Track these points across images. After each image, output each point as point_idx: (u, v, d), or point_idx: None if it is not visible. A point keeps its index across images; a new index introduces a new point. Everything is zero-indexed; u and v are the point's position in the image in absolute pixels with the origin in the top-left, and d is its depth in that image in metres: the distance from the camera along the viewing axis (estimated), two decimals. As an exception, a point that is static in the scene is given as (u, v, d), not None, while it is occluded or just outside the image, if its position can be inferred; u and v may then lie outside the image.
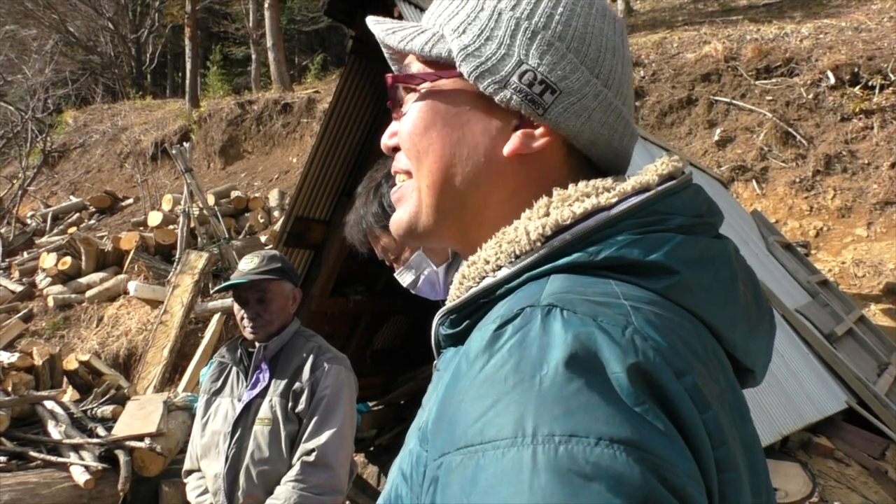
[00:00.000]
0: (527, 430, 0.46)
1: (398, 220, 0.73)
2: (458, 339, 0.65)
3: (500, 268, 0.63)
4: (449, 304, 0.66)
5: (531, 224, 0.62)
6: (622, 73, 0.68)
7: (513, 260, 0.62)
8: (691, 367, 0.52)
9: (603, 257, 0.58)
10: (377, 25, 0.73)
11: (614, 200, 0.61)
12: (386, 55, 0.77)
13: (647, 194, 0.62)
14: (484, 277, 0.64)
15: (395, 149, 0.73)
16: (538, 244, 0.61)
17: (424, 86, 0.69)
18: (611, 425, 0.46)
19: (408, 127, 0.70)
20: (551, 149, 0.66)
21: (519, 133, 0.66)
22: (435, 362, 0.73)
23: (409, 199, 0.71)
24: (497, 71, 0.65)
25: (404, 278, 1.74)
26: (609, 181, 0.65)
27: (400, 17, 3.24)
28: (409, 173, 0.72)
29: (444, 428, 0.52)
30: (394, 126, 0.74)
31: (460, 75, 0.67)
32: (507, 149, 0.66)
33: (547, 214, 0.63)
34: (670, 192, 0.62)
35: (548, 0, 0.66)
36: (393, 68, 0.77)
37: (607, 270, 0.58)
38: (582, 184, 0.64)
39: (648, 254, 0.58)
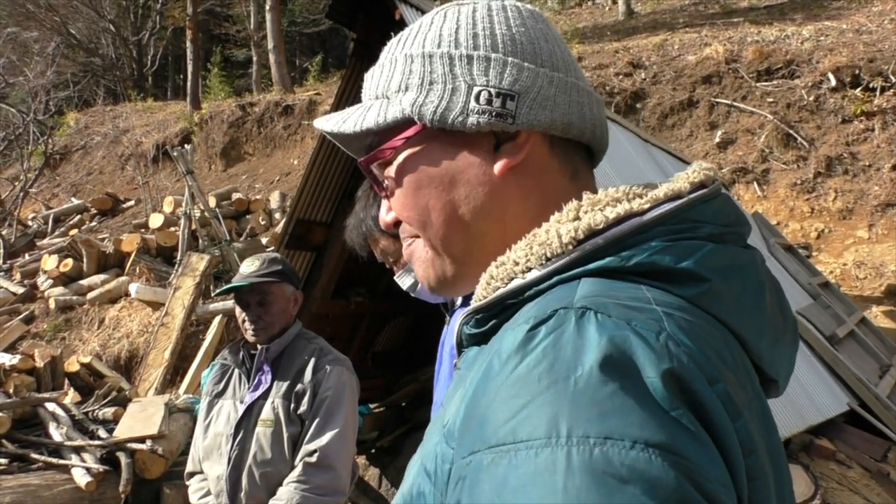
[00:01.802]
0: (561, 431, 0.46)
1: (426, 279, 0.74)
2: (482, 339, 0.65)
3: (529, 269, 0.63)
4: (475, 303, 0.66)
5: (563, 227, 0.62)
6: (561, 52, 0.71)
7: (543, 262, 0.62)
8: (722, 374, 0.53)
9: (635, 263, 0.58)
10: (327, 123, 0.74)
11: (647, 206, 0.62)
12: (343, 148, 0.78)
13: (679, 202, 0.62)
14: (513, 278, 0.64)
15: (397, 223, 0.75)
16: (570, 247, 0.61)
17: (397, 153, 0.71)
18: (646, 429, 0.46)
19: (400, 198, 0.72)
20: (535, 148, 0.69)
21: (502, 149, 0.68)
22: (456, 361, 0.73)
23: (424, 256, 0.73)
24: (455, 105, 0.67)
25: (404, 281, 1.75)
26: (640, 187, 0.66)
27: (401, 20, 3.24)
28: (416, 236, 0.74)
29: (473, 426, 0.52)
30: (386, 203, 0.76)
31: (424, 128, 0.68)
32: (498, 167, 0.68)
33: (578, 218, 0.63)
34: (701, 200, 0.63)
35: (466, 24, 0.69)
36: (355, 157, 0.78)
37: (638, 276, 0.58)
38: (612, 189, 0.66)
39: (680, 261, 0.58)
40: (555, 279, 0.60)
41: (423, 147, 0.70)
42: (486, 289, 0.66)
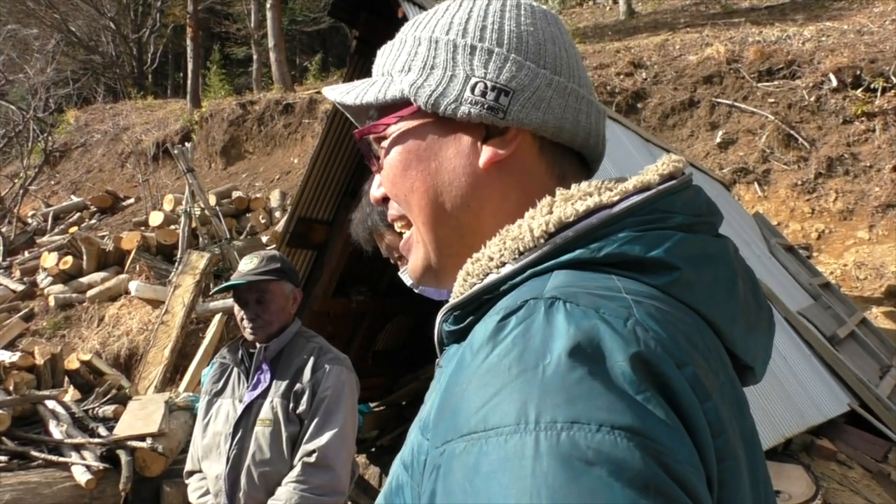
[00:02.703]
0: (529, 418, 0.47)
1: (414, 269, 0.75)
2: (461, 336, 0.66)
3: (503, 264, 0.64)
4: (452, 300, 0.67)
5: (534, 221, 0.63)
6: (568, 57, 0.71)
7: (516, 257, 0.63)
8: (692, 358, 0.53)
9: (605, 254, 0.59)
10: (332, 92, 0.76)
11: (616, 198, 0.63)
12: (352, 119, 0.81)
13: (648, 193, 0.63)
14: (488, 274, 0.64)
15: (385, 199, 0.76)
16: (541, 241, 0.62)
17: (391, 130, 0.72)
18: (612, 412, 0.46)
19: (388, 174, 0.73)
20: (523, 147, 0.69)
21: (490, 142, 0.68)
22: (438, 360, 0.73)
23: (416, 246, 0.74)
24: (449, 92, 0.68)
25: (408, 277, 1.74)
26: (612, 181, 0.67)
27: (404, 18, 3.23)
28: (403, 218, 0.75)
29: (447, 416, 0.53)
30: (377, 178, 0.77)
31: (419, 110, 0.70)
32: (483, 160, 0.68)
33: (550, 212, 0.64)
34: (671, 191, 0.64)
35: (477, 16, 0.70)
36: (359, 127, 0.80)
37: (609, 266, 0.59)
38: (584, 183, 0.66)
39: (649, 250, 0.59)
40: (528, 273, 0.61)
41: (415, 128, 0.71)
42: (462, 285, 0.67)
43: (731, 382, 0.60)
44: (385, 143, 0.73)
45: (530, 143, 0.70)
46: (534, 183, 0.70)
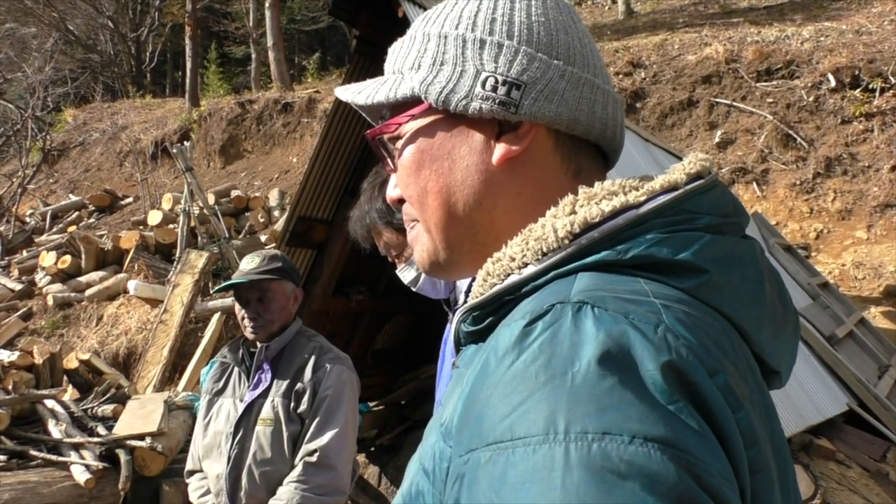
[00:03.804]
0: (559, 428, 0.45)
1: (421, 262, 0.74)
2: (479, 337, 0.65)
3: (526, 265, 0.62)
4: (472, 300, 0.65)
5: (558, 221, 0.61)
6: (582, 46, 0.69)
7: (539, 257, 0.61)
8: (723, 366, 0.52)
9: (632, 255, 0.57)
10: (345, 92, 0.75)
11: (643, 199, 0.61)
12: (368, 119, 0.79)
13: (676, 193, 0.61)
14: (509, 275, 0.63)
15: (402, 200, 0.75)
16: (566, 242, 0.60)
17: (403, 129, 0.70)
18: (645, 423, 0.45)
19: (403, 176, 0.72)
20: (538, 141, 0.67)
21: (503, 138, 0.67)
22: (454, 359, 0.73)
23: (422, 240, 0.73)
24: (460, 89, 0.66)
25: (406, 275, 1.74)
26: (636, 180, 0.65)
27: (404, 17, 3.23)
28: (415, 222, 0.73)
29: (471, 424, 0.51)
30: (393, 178, 0.75)
31: (430, 107, 0.68)
32: (496, 157, 0.67)
33: (574, 212, 0.62)
34: (698, 191, 0.62)
35: (486, 9, 0.68)
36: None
37: (636, 269, 0.57)
38: (608, 182, 0.65)
39: (677, 252, 0.57)
40: (551, 274, 0.59)
41: (427, 127, 0.69)
42: (482, 286, 0.65)
43: (759, 388, 0.58)
44: (399, 143, 0.72)
45: (545, 137, 0.68)
46: (549, 178, 0.68)
